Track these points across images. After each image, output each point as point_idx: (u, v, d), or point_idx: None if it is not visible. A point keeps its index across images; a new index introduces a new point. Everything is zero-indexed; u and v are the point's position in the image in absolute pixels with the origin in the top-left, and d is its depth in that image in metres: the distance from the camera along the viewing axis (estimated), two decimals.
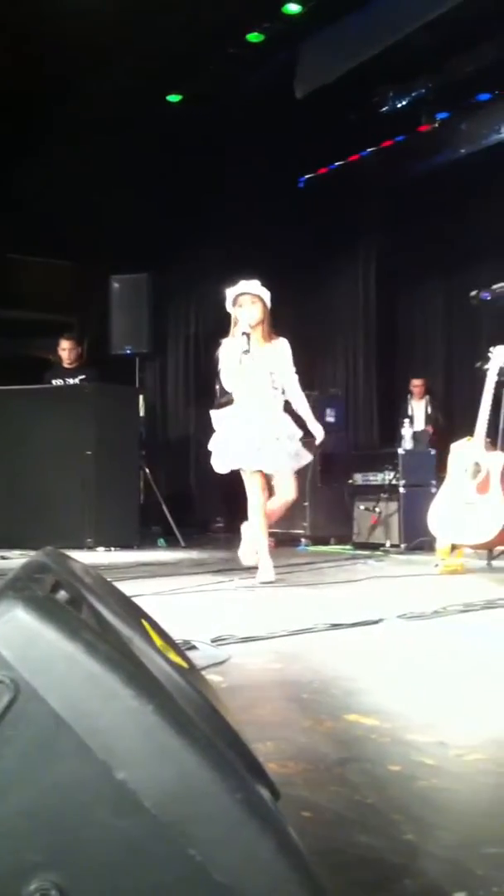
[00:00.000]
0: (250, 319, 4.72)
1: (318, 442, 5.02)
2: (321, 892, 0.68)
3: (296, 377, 4.91)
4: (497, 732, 1.75)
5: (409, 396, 9.37)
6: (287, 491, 4.91)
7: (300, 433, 4.90)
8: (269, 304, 4.84)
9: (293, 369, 4.90)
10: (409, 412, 9.14)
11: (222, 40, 7.64)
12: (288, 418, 4.87)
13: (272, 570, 4.73)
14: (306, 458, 4.96)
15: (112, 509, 7.19)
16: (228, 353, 4.75)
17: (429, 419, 9.28)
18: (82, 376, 7.71)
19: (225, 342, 4.83)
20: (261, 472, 4.80)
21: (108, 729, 0.68)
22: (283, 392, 4.87)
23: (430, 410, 9.36)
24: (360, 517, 7.20)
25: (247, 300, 4.79)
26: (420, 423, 9.18)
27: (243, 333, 4.65)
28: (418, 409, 9.34)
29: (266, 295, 4.84)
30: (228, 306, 4.87)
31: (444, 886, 1.03)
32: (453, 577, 5.03)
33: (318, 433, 4.99)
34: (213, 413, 5.02)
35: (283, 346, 4.89)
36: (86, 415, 7.21)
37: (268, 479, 4.85)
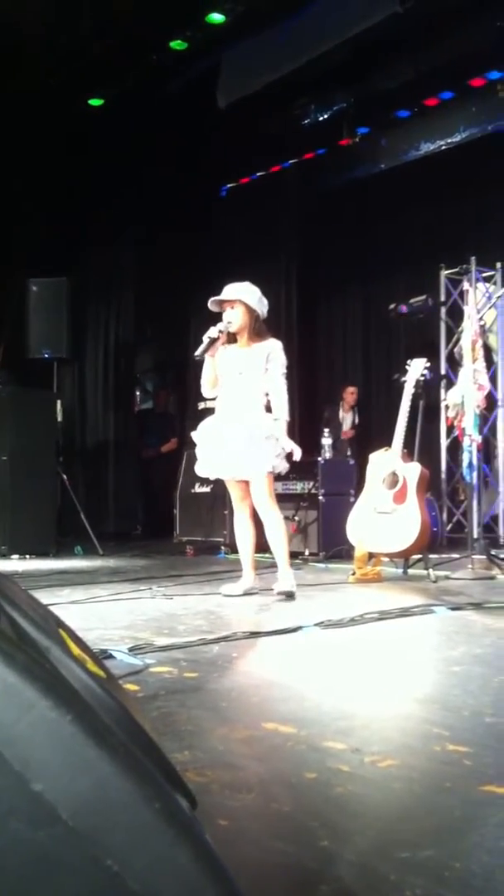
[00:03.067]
0: (231, 326, 4.58)
1: (295, 458, 4.61)
2: None
3: (281, 381, 4.60)
4: (410, 739, 1.78)
5: (340, 403, 9.40)
6: (261, 501, 4.59)
7: (281, 433, 4.58)
8: (255, 305, 4.61)
9: (280, 371, 4.60)
10: (340, 420, 9.19)
11: (145, 46, 7.63)
12: (269, 420, 4.58)
13: (240, 585, 4.61)
14: (279, 463, 4.58)
15: (27, 516, 7.07)
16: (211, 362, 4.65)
17: (355, 429, 9.35)
18: None
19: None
20: (238, 480, 4.66)
21: (24, 739, 0.67)
22: (268, 395, 4.62)
23: (357, 420, 9.44)
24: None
25: (228, 306, 4.62)
26: (345, 433, 9.25)
27: (215, 335, 4.55)
28: (347, 418, 9.41)
29: (250, 297, 4.61)
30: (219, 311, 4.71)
31: (359, 892, 1.04)
32: (370, 585, 5.10)
33: (293, 451, 4.59)
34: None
35: (268, 347, 4.62)
36: (1, 420, 7.08)
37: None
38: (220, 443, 4.61)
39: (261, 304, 4.66)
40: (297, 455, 4.61)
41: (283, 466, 4.64)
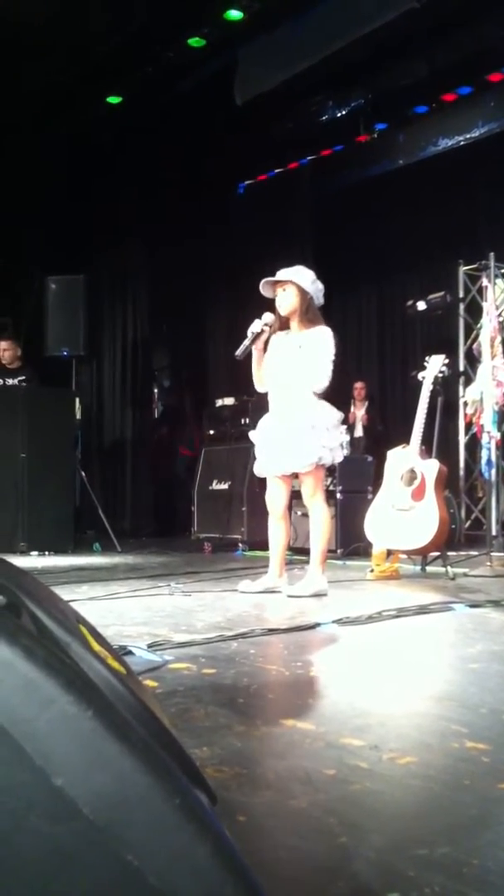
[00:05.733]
0: (282, 308, 4.45)
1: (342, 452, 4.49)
2: (257, 895, 0.69)
3: (323, 369, 4.36)
4: (428, 736, 1.78)
5: (352, 400, 9.39)
6: (306, 496, 4.47)
7: (332, 422, 4.42)
8: (308, 287, 4.44)
9: (325, 359, 4.37)
10: (351, 419, 9.18)
11: (163, 44, 7.63)
12: (316, 410, 4.39)
13: (260, 583, 4.51)
14: (327, 454, 4.37)
15: (46, 513, 7.10)
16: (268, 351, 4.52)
17: (366, 427, 9.33)
18: (22, 377, 7.61)
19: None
20: (279, 476, 4.54)
21: (45, 734, 0.67)
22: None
23: (366, 414, 9.40)
24: (297, 523, 7.23)
25: (280, 288, 4.47)
26: (359, 430, 9.25)
27: (258, 329, 4.44)
28: (360, 413, 9.39)
29: (302, 278, 4.44)
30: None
31: (377, 888, 1.05)
32: (388, 582, 5.09)
33: (341, 444, 4.47)
34: None
35: (318, 333, 4.43)
36: (20, 417, 7.11)
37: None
38: (269, 438, 4.51)
39: (314, 287, 4.50)
40: (339, 453, 4.45)
41: (332, 458, 4.42)
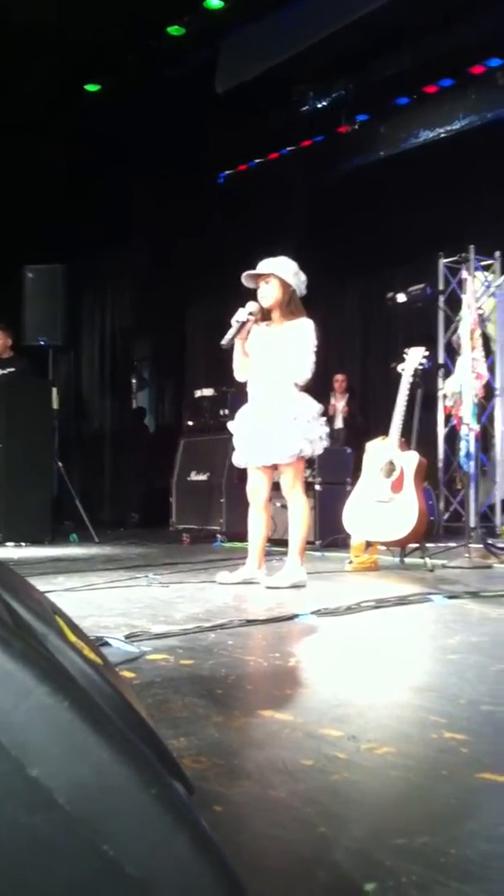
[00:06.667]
0: (264, 301, 4.43)
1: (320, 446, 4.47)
2: (235, 886, 0.68)
3: (306, 361, 4.38)
4: (407, 727, 1.78)
5: (332, 392, 9.40)
6: (286, 487, 4.50)
7: (313, 414, 4.43)
8: (291, 279, 4.43)
9: (307, 351, 4.38)
10: (331, 411, 9.18)
11: (143, 32, 7.58)
12: (297, 401, 4.41)
13: (238, 574, 4.49)
14: (308, 446, 4.38)
15: (23, 504, 7.05)
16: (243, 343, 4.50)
17: (346, 419, 9.34)
18: (11, 368, 7.57)
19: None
20: (261, 467, 4.53)
21: (21, 725, 0.66)
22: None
23: (346, 406, 9.41)
24: (276, 514, 7.24)
25: (262, 281, 4.45)
26: (339, 421, 9.25)
27: (243, 318, 4.41)
28: (340, 405, 9.40)
29: (285, 271, 4.43)
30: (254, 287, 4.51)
31: (356, 878, 1.04)
32: (367, 573, 5.10)
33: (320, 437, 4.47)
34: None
35: (299, 325, 4.43)
36: None
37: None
38: (249, 429, 4.50)
39: (297, 279, 4.48)
40: (320, 445, 4.45)
41: (312, 450, 4.43)
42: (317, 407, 4.50)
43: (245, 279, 4.50)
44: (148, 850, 0.66)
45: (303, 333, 4.43)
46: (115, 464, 10.15)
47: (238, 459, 4.63)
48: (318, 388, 4.46)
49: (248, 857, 1.09)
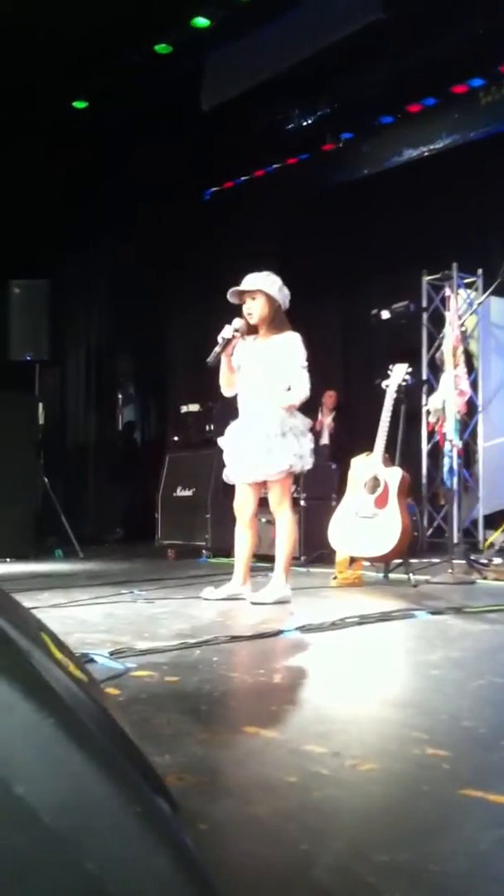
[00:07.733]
0: (251, 317, 4.44)
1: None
2: None
3: (302, 374, 4.39)
4: (389, 743, 1.78)
5: (320, 408, 9.39)
6: (273, 503, 4.51)
7: (302, 429, 4.43)
8: (276, 294, 4.45)
9: (300, 364, 4.40)
10: (318, 426, 9.16)
11: (129, 49, 7.63)
12: (286, 417, 4.39)
13: (223, 590, 4.48)
14: (297, 461, 4.37)
15: (7, 519, 7.03)
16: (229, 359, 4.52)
17: (335, 430, 9.32)
18: None
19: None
20: (249, 483, 4.51)
21: (5, 742, 0.67)
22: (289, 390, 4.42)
23: (333, 424, 9.40)
24: (261, 530, 7.24)
25: (248, 297, 4.47)
26: (325, 437, 9.25)
27: (229, 335, 4.42)
28: (327, 421, 9.39)
29: (270, 286, 4.45)
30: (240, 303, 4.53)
31: (337, 895, 1.05)
32: (351, 589, 5.11)
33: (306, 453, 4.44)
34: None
35: (287, 339, 4.45)
36: None
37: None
38: (239, 444, 4.50)
39: (282, 294, 4.51)
40: (309, 461, 4.43)
41: (301, 465, 4.43)
42: (306, 422, 4.52)
43: (231, 296, 4.52)
44: (131, 868, 0.66)
45: (293, 348, 4.44)
46: (100, 479, 10.13)
47: (228, 475, 4.64)
48: (304, 403, 4.46)
49: (231, 875, 1.10)
